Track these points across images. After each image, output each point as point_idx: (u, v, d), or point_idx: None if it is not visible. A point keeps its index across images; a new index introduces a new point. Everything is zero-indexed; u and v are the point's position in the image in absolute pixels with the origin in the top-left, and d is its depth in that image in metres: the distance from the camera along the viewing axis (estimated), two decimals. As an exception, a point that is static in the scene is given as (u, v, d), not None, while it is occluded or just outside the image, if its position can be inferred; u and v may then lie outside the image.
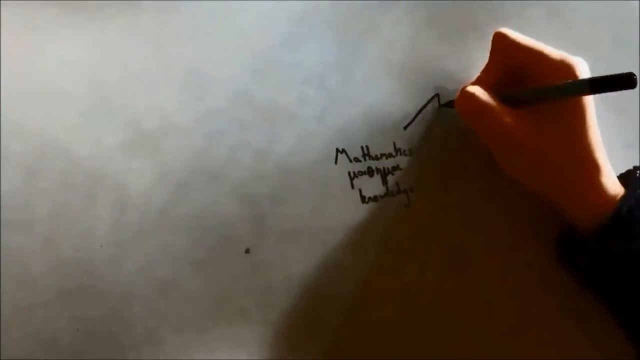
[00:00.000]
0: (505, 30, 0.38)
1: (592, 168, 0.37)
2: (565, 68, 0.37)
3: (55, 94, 0.38)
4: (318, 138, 0.41)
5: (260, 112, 0.41)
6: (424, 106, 0.42)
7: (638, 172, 0.40)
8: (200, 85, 0.40)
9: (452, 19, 0.43)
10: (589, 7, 0.45)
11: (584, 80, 0.35)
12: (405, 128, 0.42)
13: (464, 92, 0.38)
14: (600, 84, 0.34)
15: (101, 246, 0.38)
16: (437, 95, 0.42)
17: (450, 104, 0.41)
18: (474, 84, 0.39)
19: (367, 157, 0.41)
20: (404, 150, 0.42)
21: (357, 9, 0.42)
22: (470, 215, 0.42)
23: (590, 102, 0.37)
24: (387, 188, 0.42)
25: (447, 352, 0.40)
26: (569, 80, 0.36)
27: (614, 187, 0.38)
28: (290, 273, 0.40)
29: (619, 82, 0.33)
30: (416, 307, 0.41)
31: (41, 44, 0.38)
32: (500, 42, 0.38)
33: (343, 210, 0.41)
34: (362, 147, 0.41)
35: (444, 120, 0.42)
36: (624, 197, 0.37)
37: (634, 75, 0.33)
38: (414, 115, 0.42)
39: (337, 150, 0.41)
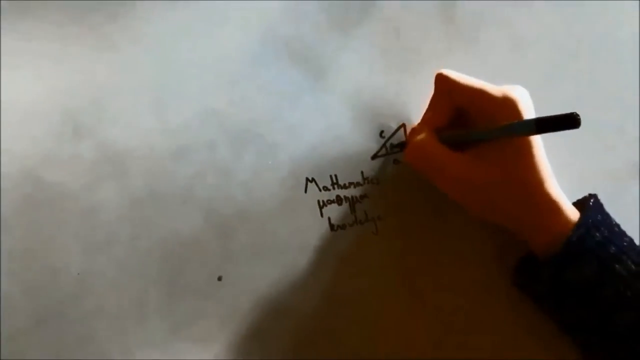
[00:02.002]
0: (446, 71, 0.39)
1: (545, 200, 0.38)
2: (508, 104, 0.38)
3: (23, 114, 0.39)
4: (285, 166, 0.42)
5: (227, 133, 0.42)
6: (391, 136, 0.43)
7: (591, 200, 0.40)
8: (168, 104, 0.41)
9: (412, 47, 0.44)
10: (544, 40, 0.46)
11: (530, 121, 0.36)
12: (372, 158, 0.43)
13: (413, 144, 0.39)
14: (546, 124, 0.35)
15: (78, 274, 0.40)
16: (403, 125, 0.43)
17: (400, 145, 0.43)
18: (420, 125, 0.41)
19: (336, 186, 0.42)
20: (372, 179, 0.43)
21: (319, 39, 0.43)
22: (437, 241, 0.43)
23: (536, 137, 0.38)
24: (356, 216, 0.43)
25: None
26: (516, 122, 0.37)
27: (568, 214, 0.39)
28: (258, 295, 0.41)
29: (564, 122, 0.35)
30: (379, 330, 0.42)
31: (9, 64, 0.40)
32: (442, 83, 0.39)
33: (313, 237, 0.42)
34: (331, 176, 0.42)
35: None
36: (575, 226, 0.38)
37: (577, 115, 0.34)
38: (381, 145, 0.43)
39: (307, 179, 0.42)
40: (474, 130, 0.39)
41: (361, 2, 0.44)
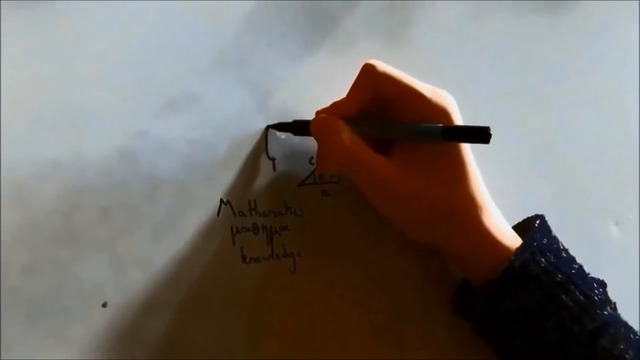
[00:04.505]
0: (375, 61, 0.35)
1: (477, 216, 0.35)
2: (437, 106, 0.35)
3: None
4: (202, 185, 0.37)
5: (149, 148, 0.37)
6: (321, 164, 0.39)
7: (537, 221, 0.37)
8: (82, 135, 0.36)
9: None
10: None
11: (437, 127, 0.33)
12: (299, 185, 0.38)
13: (336, 143, 0.34)
14: (454, 134, 0.33)
15: None
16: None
17: (280, 126, 0.38)
18: (327, 111, 0.36)
19: (253, 212, 0.38)
20: (295, 210, 0.38)
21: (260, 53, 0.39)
22: (358, 287, 0.38)
23: (466, 151, 0.35)
24: (272, 249, 0.37)
25: None
26: (423, 124, 0.34)
27: (505, 237, 0.36)
28: (148, 334, 0.35)
29: (474, 134, 0.32)
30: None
31: None
32: (368, 73, 0.35)
33: (220, 268, 0.37)
34: (249, 201, 0.38)
35: (341, 180, 0.39)
36: (518, 249, 0.35)
37: (489, 130, 0.31)
38: (309, 172, 0.38)
39: (222, 200, 0.37)
40: (380, 124, 0.35)
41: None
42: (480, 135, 0.31)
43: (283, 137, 0.38)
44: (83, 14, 0.36)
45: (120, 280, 0.35)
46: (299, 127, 0.37)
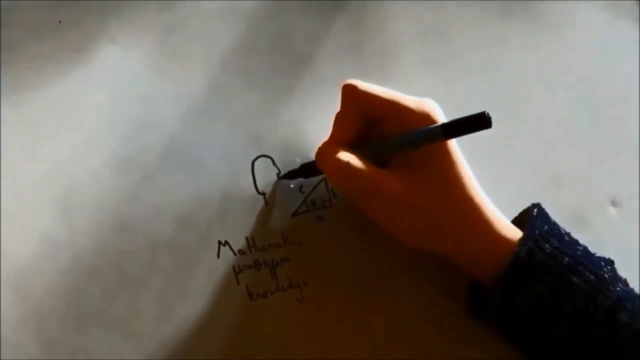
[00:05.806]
0: (354, 81, 0.35)
1: (478, 215, 0.35)
2: (423, 113, 0.35)
3: None
4: (195, 229, 0.38)
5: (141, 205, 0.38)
6: (312, 191, 0.39)
7: (535, 210, 0.37)
8: (74, 209, 0.37)
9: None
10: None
11: (436, 127, 0.33)
12: (293, 215, 0.39)
13: (336, 164, 0.34)
14: (454, 128, 0.32)
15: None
16: (324, 179, 0.39)
17: (290, 174, 0.39)
18: (329, 144, 0.36)
19: (253, 249, 0.38)
20: (294, 240, 0.38)
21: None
22: (368, 306, 0.38)
23: (453, 146, 0.35)
24: (277, 282, 0.38)
25: None
26: (421, 129, 0.34)
27: (507, 230, 0.36)
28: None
29: (473, 123, 0.31)
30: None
31: None
32: (350, 94, 0.35)
33: (228, 310, 0.37)
34: (247, 239, 0.38)
35: (333, 204, 0.39)
36: (521, 239, 0.35)
37: (487, 114, 0.31)
38: (301, 201, 0.39)
39: (220, 242, 0.38)
40: (381, 144, 0.35)
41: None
42: (481, 121, 0.31)
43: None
44: (69, 87, 0.39)
45: (132, 347, 0.35)
46: (307, 169, 0.38)
